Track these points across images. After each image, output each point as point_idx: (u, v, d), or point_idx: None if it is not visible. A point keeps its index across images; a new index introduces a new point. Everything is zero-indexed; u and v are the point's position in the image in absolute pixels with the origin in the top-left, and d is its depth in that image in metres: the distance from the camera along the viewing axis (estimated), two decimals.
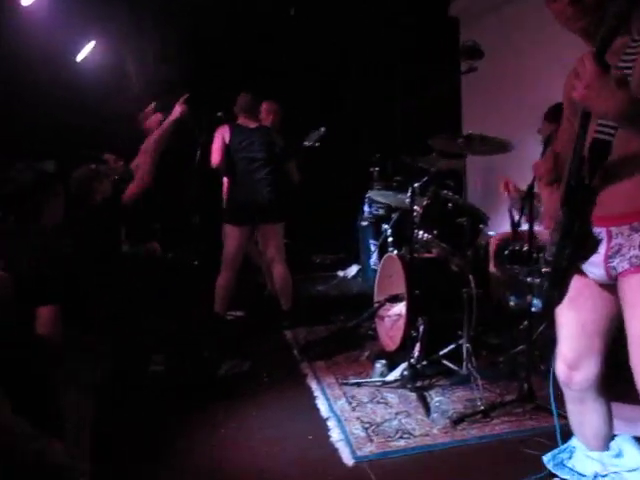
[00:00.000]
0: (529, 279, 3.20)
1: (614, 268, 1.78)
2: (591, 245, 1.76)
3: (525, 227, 3.24)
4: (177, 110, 3.80)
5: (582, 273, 1.88)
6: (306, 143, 5.24)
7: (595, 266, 1.82)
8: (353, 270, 6.41)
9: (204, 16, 5.73)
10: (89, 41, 5.09)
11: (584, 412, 2.07)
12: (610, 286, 1.85)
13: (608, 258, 1.78)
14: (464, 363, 3.43)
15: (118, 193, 3.40)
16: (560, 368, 2.03)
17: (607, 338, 1.95)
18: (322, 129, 5.13)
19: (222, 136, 4.48)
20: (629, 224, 1.73)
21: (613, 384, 2.05)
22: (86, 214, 3.31)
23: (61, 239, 2.67)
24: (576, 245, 1.74)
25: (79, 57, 5.06)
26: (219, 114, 4.62)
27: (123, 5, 5.26)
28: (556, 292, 1.84)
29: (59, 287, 2.45)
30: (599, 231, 1.78)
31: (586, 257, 1.78)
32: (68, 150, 3.97)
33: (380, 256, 5.14)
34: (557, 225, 1.78)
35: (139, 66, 5.47)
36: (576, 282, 1.84)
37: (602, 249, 1.78)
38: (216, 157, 4.49)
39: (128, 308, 3.31)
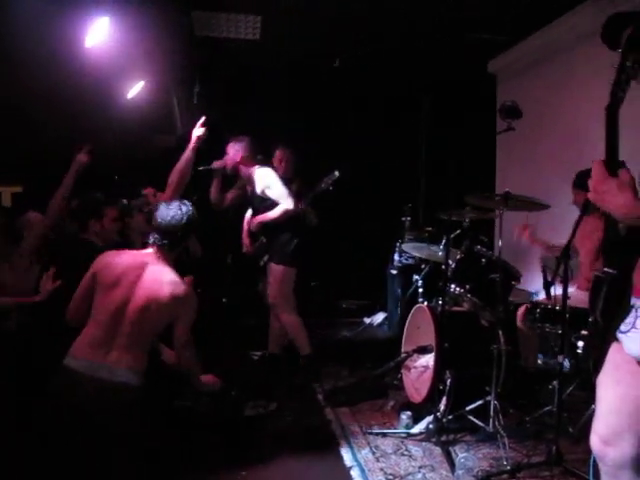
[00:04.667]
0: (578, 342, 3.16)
1: None
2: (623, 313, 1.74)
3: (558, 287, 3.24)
4: (195, 136, 3.63)
5: (622, 347, 1.83)
6: (322, 186, 5.27)
7: (632, 341, 1.77)
8: (379, 317, 6.40)
9: (248, 61, 5.91)
10: (139, 80, 5.32)
11: None
12: None
13: None
14: (491, 420, 3.39)
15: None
16: (594, 441, 1.94)
17: None
18: (336, 173, 5.15)
19: None
20: None
21: None
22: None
23: None
24: (612, 311, 1.74)
25: (129, 94, 5.28)
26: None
27: (173, 48, 5.47)
28: (590, 358, 1.82)
29: None
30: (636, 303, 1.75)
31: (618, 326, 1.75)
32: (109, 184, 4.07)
33: (408, 306, 5.15)
34: (595, 287, 1.78)
35: (184, 107, 5.65)
36: (616, 355, 1.82)
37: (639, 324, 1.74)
38: None
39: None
